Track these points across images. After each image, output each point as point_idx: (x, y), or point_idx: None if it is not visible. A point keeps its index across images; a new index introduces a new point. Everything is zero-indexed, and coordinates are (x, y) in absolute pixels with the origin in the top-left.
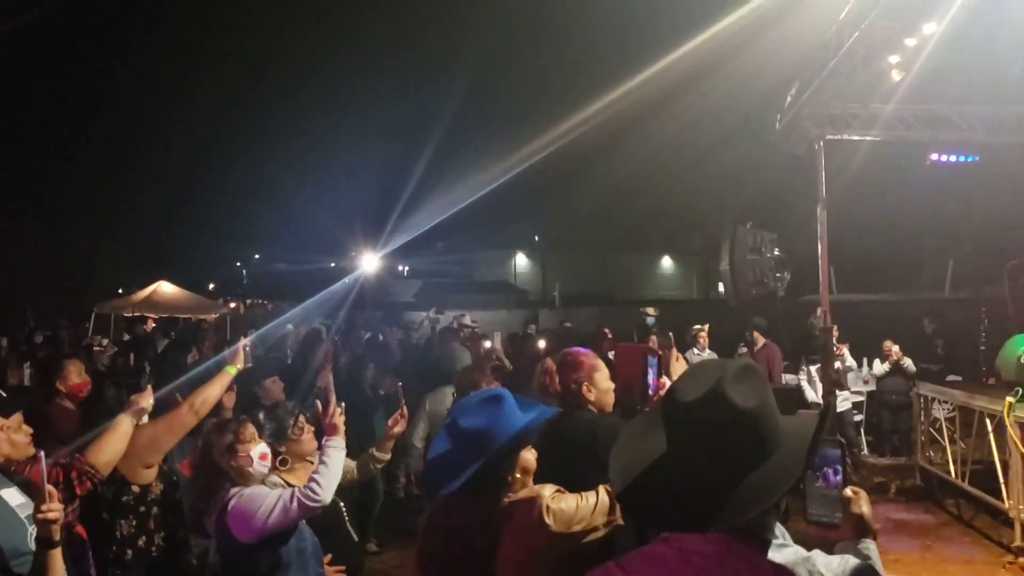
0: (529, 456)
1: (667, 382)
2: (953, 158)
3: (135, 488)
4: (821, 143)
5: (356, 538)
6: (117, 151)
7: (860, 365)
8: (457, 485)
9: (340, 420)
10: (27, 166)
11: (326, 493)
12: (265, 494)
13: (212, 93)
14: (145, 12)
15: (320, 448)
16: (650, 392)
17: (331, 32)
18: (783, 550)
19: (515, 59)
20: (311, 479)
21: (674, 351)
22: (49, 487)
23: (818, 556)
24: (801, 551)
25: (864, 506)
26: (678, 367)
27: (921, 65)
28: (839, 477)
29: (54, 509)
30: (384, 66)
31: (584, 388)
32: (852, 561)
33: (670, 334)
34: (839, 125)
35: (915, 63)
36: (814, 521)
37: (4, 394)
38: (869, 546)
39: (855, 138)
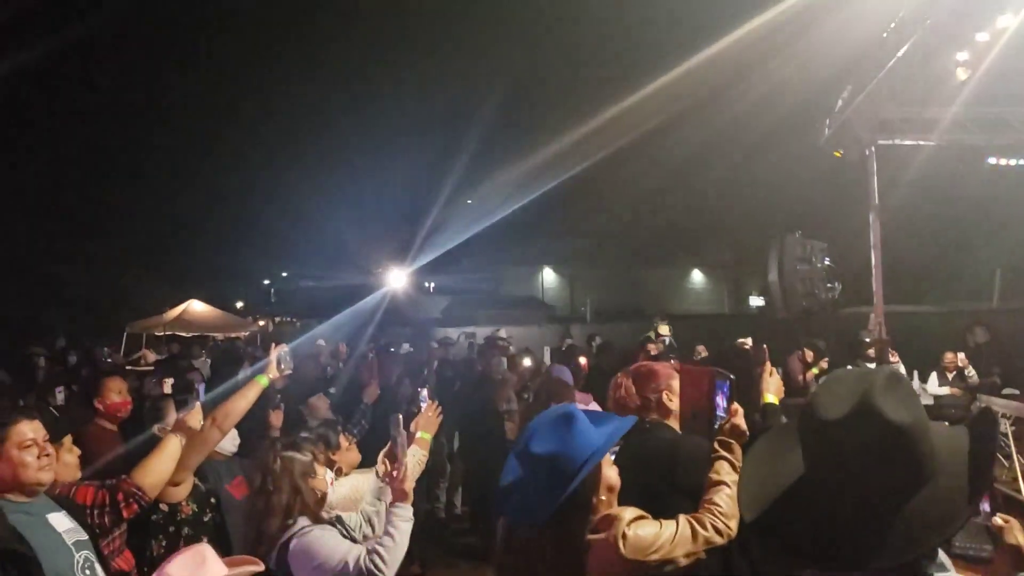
0: (611, 473)
1: (739, 408)
2: (1012, 162)
3: (163, 507)
4: (872, 148)
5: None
6: (143, 172)
7: (910, 378)
8: (541, 518)
9: (410, 486)
10: (55, 188)
11: (390, 570)
12: (335, 544)
13: (239, 115)
14: (177, 39)
15: (388, 514)
16: (719, 419)
17: (359, 48)
18: None
19: (542, 71)
20: (376, 550)
21: (767, 364)
22: None
23: None
24: None
25: (1020, 536)
26: (773, 382)
27: (989, 64)
28: (986, 505)
29: None
30: (411, 85)
31: (665, 397)
32: None
33: (764, 346)
34: (892, 130)
35: (983, 61)
36: (960, 555)
37: (57, 415)
38: None
39: (908, 143)
